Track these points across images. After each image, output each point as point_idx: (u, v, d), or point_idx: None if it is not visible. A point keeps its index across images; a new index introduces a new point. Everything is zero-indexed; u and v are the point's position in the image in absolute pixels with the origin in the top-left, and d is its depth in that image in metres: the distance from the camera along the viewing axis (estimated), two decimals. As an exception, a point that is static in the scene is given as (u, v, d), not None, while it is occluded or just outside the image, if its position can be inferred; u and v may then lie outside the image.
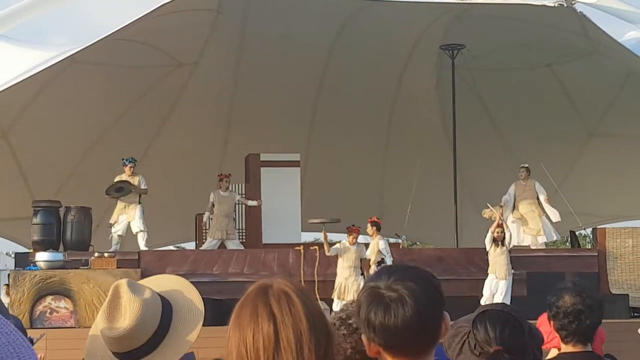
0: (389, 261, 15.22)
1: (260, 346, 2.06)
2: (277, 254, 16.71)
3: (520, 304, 15.74)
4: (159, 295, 2.86)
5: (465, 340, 3.27)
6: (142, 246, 17.06)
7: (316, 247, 16.34)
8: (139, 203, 17.20)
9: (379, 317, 2.14)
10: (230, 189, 17.92)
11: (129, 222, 17.14)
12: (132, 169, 17.25)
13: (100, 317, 2.80)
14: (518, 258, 17.30)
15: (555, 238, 18.54)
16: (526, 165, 18.18)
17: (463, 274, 16.87)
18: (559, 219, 17.86)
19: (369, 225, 15.72)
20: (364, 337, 2.21)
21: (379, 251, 15.44)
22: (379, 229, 15.69)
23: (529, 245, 17.86)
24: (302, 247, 16.65)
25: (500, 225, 15.74)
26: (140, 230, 17.15)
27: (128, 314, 2.75)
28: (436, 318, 2.19)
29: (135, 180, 17.12)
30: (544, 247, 18.14)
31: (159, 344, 2.81)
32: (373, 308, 2.15)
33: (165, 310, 2.84)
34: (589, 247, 19.77)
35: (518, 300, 15.99)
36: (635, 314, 17.32)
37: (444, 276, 16.69)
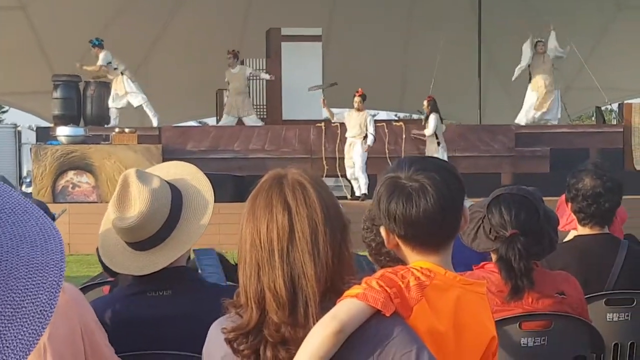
0: (370, 136, 15.33)
1: (274, 236, 1.97)
2: (298, 130, 16.63)
3: (543, 180, 15.69)
4: (168, 183, 2.80)
5: (480, 225, 3.18)
6: (151, 116, 16.93)
7: (338, 124, 16.21)
8: (122, 74, 16.84)
9: (400, 207, 2.05)
10: (244, 63, 17.66)
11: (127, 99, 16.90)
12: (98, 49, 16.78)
13: (111, 207, 2.75)
14: (541, 134, 17.17)
15: (557, 119, 18.26)
16: (543, 39, 17.79)
17: (485, 150, 16.76)
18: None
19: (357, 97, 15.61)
20: (382, 229, 2.12)
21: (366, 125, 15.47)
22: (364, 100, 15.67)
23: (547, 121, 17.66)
24: (323, 124, 16.55)
25: None
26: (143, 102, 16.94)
27: (138, 203, 2.70)
28: (457, 209, 2.11)
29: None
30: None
31: (171, 232, 2.76)
32: (394, 198, 2.06)
33: (175, 198, 2.77)
34: (615, 122, 19.53)
35: (540, 176, 15.93)
36: (659, 190, 17.25)
37: (465, 153, 16.63)
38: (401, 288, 1.96)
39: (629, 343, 3.70)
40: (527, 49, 17.55)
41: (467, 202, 4.42)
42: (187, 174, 2.89)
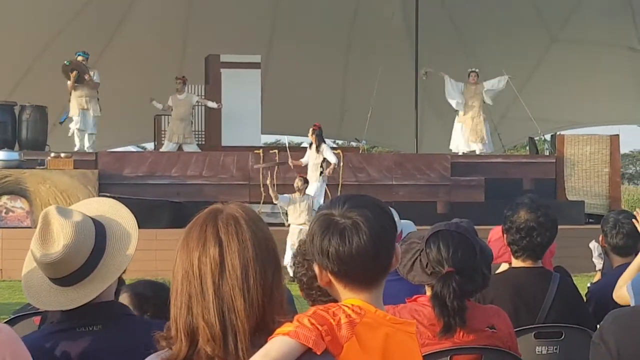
0: (332, 159, 15.04)
1: (206, 270, 2.01)
2: (237, 156, 16.62)
3: (478, 209, 15.92)
4: (91, 217, 2.80)
5: (417, 258, 3.24)
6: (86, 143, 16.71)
7: (276, 151, 16.25)
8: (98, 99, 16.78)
9: (334, 243, 2.09)
10: (188, 91, 17.66)
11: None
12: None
13: (34, 245, 2.73)
14: (476, 164, 17.40)
15: (492, 150, 18.53)
16: (476, 70, 18.06)
17: (421, 179, 16.93)
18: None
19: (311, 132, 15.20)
20: (315, 266, 2.15)
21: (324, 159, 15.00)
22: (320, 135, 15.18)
23: (474, 151, 17.88)
24: (261, 151, 16.57)
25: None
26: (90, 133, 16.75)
27: (62, 237, 2.68)
28: (389, 247, 2.15)
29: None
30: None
31: (97, 264, 2.75)
32: (328, 235, 2.10)
33: (99, 231, 2.77)
34: (547, 153, 19.88)
35: (475, 205, 16.14)
36: (590, 220, 17.57)
37: (403, 181, 16.79)
38: (332, 326, 2.00)
39: (557, 376, 3.78)
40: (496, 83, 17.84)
41: (412, 226, 4.51)
42: (109, 208, 2.88)
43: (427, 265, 3.23)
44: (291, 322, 1.99)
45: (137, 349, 2.46)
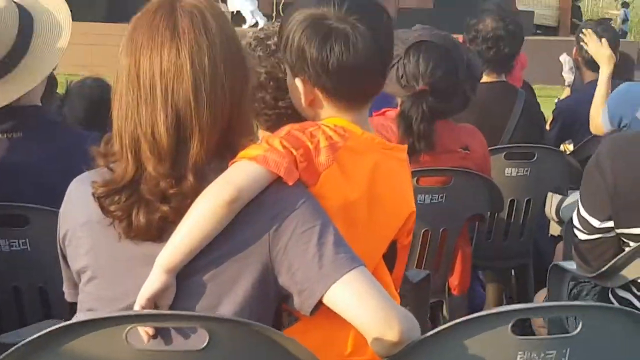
0: None
1: (157, 71, 1.61)
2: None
3: (427, 16, 15.46)
4: (15, 3, 2.37)
5: (394, 65, 2.89)
6: None
7: None
8: None
9: (336, 52, 1.70)
10: None
11: None
12: None
13: None
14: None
15: None
16: None
17: None
18: None
19: None
20: (298, 82, 1.76)
21: None
22: None
23: None
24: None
25: None
26: None
27: None
28: (391, 56, 1.81)
29: None
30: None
31: (20, 60, 2.35)
32: (328, 43, 1.71)
33: (25, 21, 2.35)
34: (500, -40, 19.31)
35: (424, 11, 15.71)
36: (538, 32, 17.29)
37: None
38: (309, 149, 1.64)
39: (526, 199, 3.54)
40: None
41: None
42: None
43: (402, 77, 2.88)
44: (259, 144, 1.64)
45: (62, 162, 2.10)
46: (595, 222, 2.41)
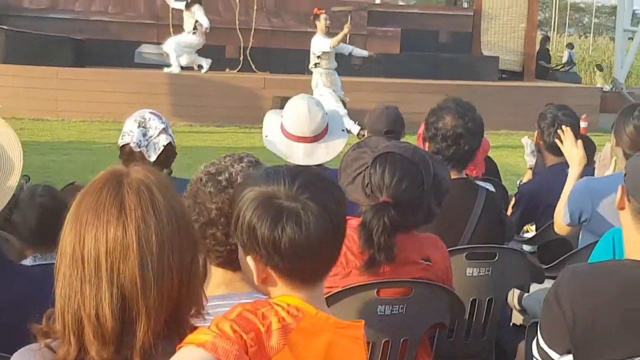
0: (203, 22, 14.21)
1: (102, 250, 1.57)
2: (146, -7, 15.79)
3: (393, 61, 15.55)
4: None
5: (362, 173, 2.87)
6: None
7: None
8: None
9: (289, 233, 1.68)
10: None
11: None
12: None
13: None
14: (392, 14, 16.92)
15: None
16: None
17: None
18: None
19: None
20: (250, 260, 1.73)
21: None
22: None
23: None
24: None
25: None
26: None
27: None
28: (344, 234, 1.80)
29: None
30: None
31: None
32: (280, 223, 1.69)
33: None
34: (466, 5, 19.47)
35: (391, 57, 15.77)
36: (504, 76, 17.42)
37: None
38: (260, 333, 1.61)
39: (487, 299, 3.52)
40: None
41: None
42: None
43: (367, 186, 2.87)
44: (209, 327, 1.60)
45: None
46: (555, 355, 2.39)
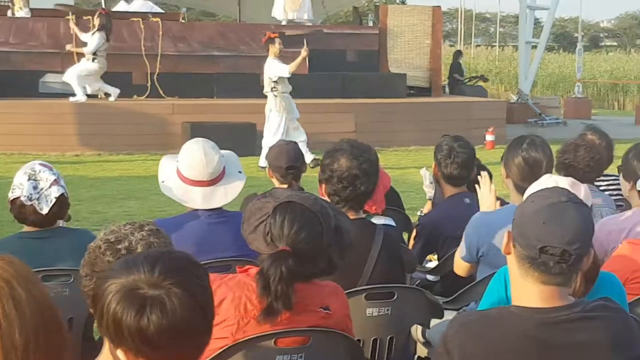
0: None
1: None
2: (47, 23, 15.53)
3: (301, 82, 15.59)
4: None
5: (264, 222, 2.88)
6: None
7: (90, 17, 15.21)
8: None
9: (153, 321, 1.66)
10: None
11: None
12: None
13: None
14: (300, 35, 16.98)
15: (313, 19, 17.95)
16: None
17: (245, 50, 16.40)
18: None
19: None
20: (120, 353, 1.70)
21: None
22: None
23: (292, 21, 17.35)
24: (73, 16, 15.46)
25: None
26: None
27: None
28: (212, 311, 1.78)
29: None
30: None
31: None
32: (145, 313, 1.66)
33: None
34: (371, 24, 19.66)
35: (298, 78, 15.81)
36: (411, 92, 17.62)
37: (225, 52, 16.22)
38: None
39: (388, 338, 3.55)
40: None
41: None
42: None
43: (268, 234, 2.88)
44: None
45: None
46: (447, 404, 2.41)
